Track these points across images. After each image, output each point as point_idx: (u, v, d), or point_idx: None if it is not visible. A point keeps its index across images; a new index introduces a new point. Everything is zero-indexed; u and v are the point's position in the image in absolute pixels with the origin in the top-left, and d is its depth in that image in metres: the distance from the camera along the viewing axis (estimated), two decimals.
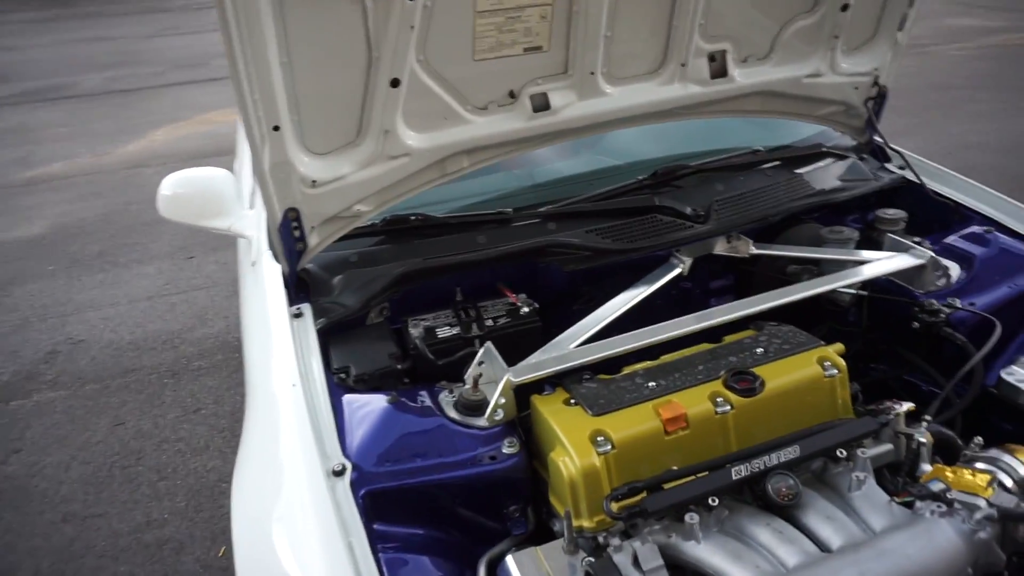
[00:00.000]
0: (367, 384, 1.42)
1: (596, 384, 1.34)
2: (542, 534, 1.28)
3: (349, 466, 1.18)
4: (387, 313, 1.63)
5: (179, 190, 1.93)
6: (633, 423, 1.24)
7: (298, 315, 1.53)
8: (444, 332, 1.53)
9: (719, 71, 1.79)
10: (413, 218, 1.72)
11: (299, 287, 1.62)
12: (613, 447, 1.20)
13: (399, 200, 1.67)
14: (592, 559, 1.11)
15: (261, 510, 1.20)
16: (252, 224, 1.87)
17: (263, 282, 1.68)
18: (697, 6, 1.66)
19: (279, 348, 1.46)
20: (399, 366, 1.47)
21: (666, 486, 1.16)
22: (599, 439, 1.21)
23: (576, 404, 1.30)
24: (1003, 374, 1.52)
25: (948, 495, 1.11)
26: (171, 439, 2.77)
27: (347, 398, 1.33)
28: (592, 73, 1.67)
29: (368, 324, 1.60)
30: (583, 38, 1.60)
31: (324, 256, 1.67)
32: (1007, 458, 1.23)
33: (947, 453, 1.31)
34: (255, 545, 1.15)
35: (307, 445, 1.22)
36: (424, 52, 1.48)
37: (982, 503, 1.09)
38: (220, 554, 2.25)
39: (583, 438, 1.21)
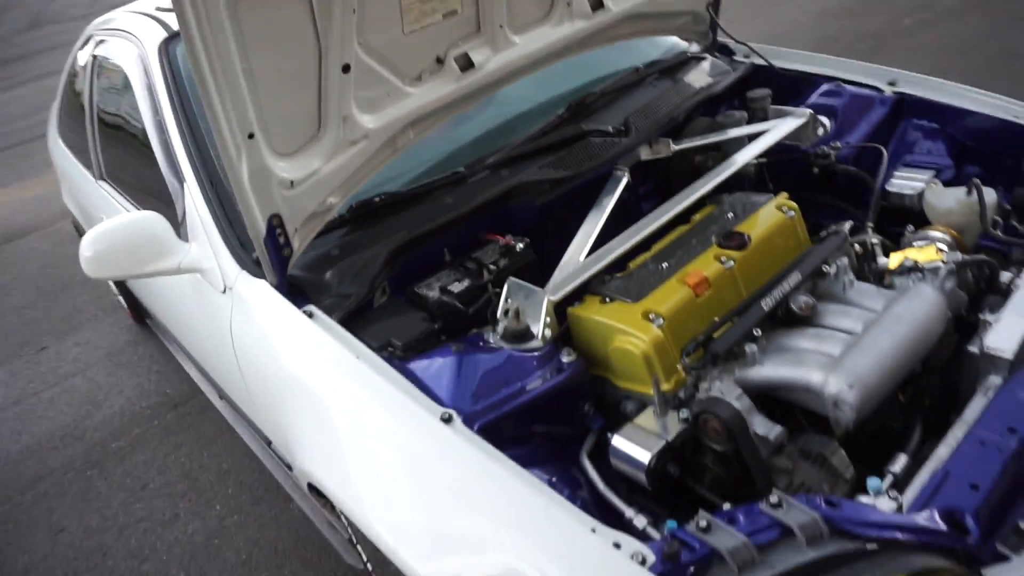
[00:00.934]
0: (415, 350, 1.48)
1: (619, 280, 1.52)
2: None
3: (453, 412, 1.27)
4: (388, 291, 1.68)
5: (105, 245, 1.81)
6: (669, 296, 1.43)
7: (311, 315, 1.55)
8: (456, 287, 1.62)
9: (597, 3, 2.01)
10: (377, 199, 1.78)
11: (293, 294, 1.62)
12: (664, 319, 1.39)
13: (360, 185, 1.72)
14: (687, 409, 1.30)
15: (395, 487, 1.25)
16: (203, 255, 1.81)
17: (249, 301, 1.67)
18: None
19: (314, 346, 1.48)
20: (434, 325, 1.54)
21: (716, 334, 1.37)
22: (651, 316, 1.39)
23: (612, 301, 1.47)
24: (887, 188, 1.90)
25: (919, 267, 1.42)
26: (131, 523, 2.56)
27: (415, 362, 1.40)
28: (501, 26, 1.81)
29: (377, 306, 1.65)
30: None
31: (304, 259, 1.68)
32: (931, 232, 1.58)
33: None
34: (412, 517, 1.21)
35: (409, 407, 1.28)
36: (363, 35, 1.54)
37: (940, 264, 1.42)
38: None
39: (637, 319, 1.39)
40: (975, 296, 1.50)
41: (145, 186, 2.25)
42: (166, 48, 2.11)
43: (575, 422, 1.46)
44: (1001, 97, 1.95)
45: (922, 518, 1.06)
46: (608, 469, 1.36)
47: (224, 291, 1.75)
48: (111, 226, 1.85)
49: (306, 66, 1.47)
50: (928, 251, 1.48)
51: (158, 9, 2.32)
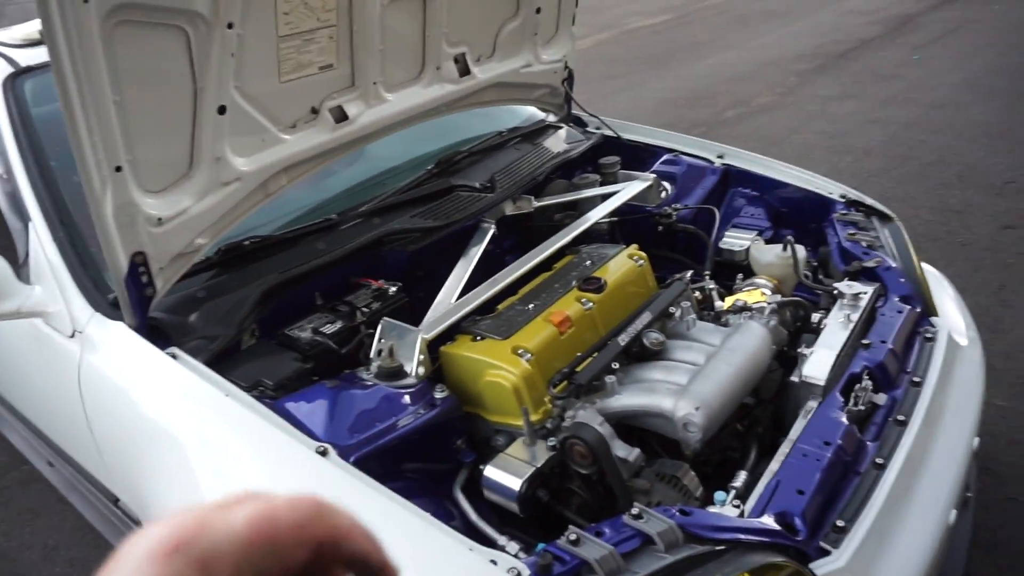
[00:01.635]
0: (286, 390, 1.47)
1: (490, 320, 1.60)
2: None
3: (328, 446, 1.27)
4: (257, 334, 1.66)
5: None
6: (536, 333, 1.54)
7: (174, 356, 1.50)
8: (329, 328, 1.63)
9: (464, 70, 2.16)
10: (247, 243, 1.77)
11: (153, 336, 1.56)
12: (532, 354, 1.49)
13: (231, 228, 1.71)
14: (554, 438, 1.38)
15: None
16: (49, 297, 1.70)
17: (103, 344, 1.58)
18: (442, 18, 1.99)
19: (178, 388, 1.43)
20: (306, 365, 1.54)
21: (579, 368, 1.49)
22: (520, 351, 1.48)
23: (483, 339, 1.55)
24: (720, 245, 2.16)
25: (748, 307, 1.63)
26: None
27: (288, 401, 1.39)
28: (375, 83, 1.90)
29: (245, 348, 1.62)
30: (364, 53, 1.83)
31: (166, 301, 1.63)
32: (757, 280, 1.82)
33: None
34: None
35: (283, 443, 1.27)
36: (241, 79, 1.57)
37: (764, 304, 1.64)
38: None
39: (507, 354, 1.48)
40: (793, 334, 1.73)
41: None
42: (12, 84, 2.00)
43: (448, 458, 1.50)
44: (806, 172, 2.29)
45: (760, 521, 1.20)
46: (479, 502, 1.41)
47: (72, 335, 1.64)
48: None
49: (180, 104, 1.48)
50: (755, 294, 1.70)
51: (1, 43, 2.20)
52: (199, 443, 1.38)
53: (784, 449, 1.38)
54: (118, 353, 1.56)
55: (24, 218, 1.81)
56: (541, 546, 1.14)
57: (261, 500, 0.37)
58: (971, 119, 5.06)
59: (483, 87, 2.24)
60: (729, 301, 1.72)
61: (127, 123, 1.38)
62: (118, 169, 1.38)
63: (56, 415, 1.87)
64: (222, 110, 1.54)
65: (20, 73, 2.03)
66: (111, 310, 1.60)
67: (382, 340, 1.56)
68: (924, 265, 2.10)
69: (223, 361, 1.54)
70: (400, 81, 1.99)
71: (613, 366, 1.50)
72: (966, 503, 1.90)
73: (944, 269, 3.20)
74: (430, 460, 1.47)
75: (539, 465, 1.36)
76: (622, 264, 1.78)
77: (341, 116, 1.84)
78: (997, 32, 7.24)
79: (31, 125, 1.92)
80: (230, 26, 1.46)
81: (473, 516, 1.36)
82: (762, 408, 1.66)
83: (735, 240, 2.14)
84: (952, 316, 1.89)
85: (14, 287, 1.70)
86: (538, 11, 2.28)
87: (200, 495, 1.34)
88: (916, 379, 1.58)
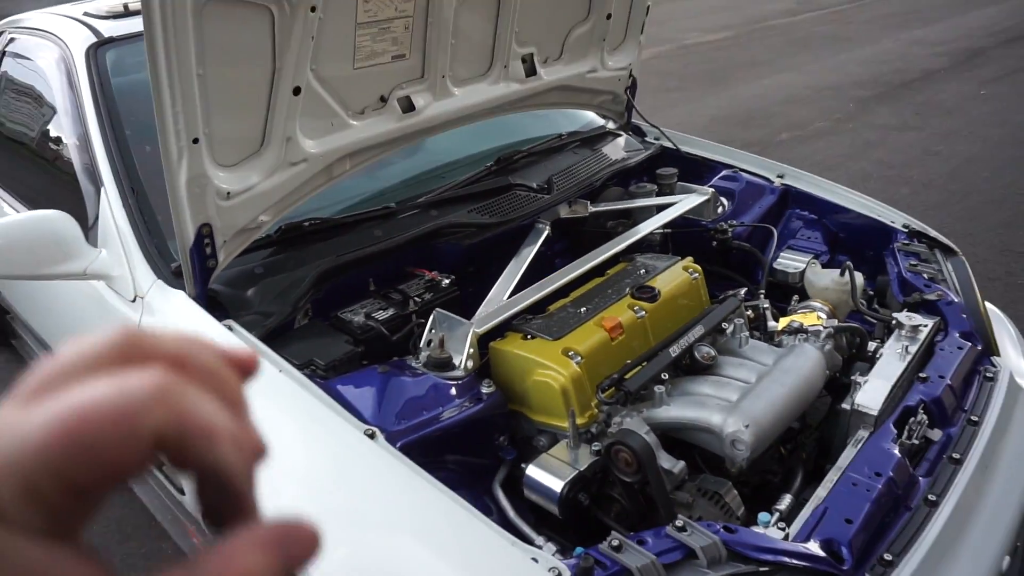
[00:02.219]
0: (337, 371, 1.49)
1: (541, 320, 1.60)
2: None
3: (376, 429, 1.28)
4: (310, 314, 1.68)
5: (4, 242, 1.71)
6: (587, 337, 1.53)
7: (231, 328, 1.53)
8: (382, 314, 1.65)
9: (530, 71, 2.17)
10: (307, 224, 1.79)
11: (211, 306, 1.59)
12: (582, 357, 1.48)
13: (293, 208, 1.74)
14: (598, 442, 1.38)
15: (317, 500, 1.23)
16: (114, 261, 1.75)
17: (163, 311, 1.62)
18: (513, 18, 2.00)
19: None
20: (357, 349, 1.56)
21: (628, 375, 1.48)
22: (570, 353, 1.48)
23: (534, 338, 1.55)
24: (774, 266, 2.13)
25: (804, 329, 1.60)
26: None
27: (339, 382, 1.40)
28: (443, 76, 1.92)
29: (298, 327, 1.64)
30: (436, 46, 1.84)
31: (225, 274, 1.66)
32: (813, 303, 1.79)
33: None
34: (335, 533, 1.19)
35: (334, 422, 1.28)
36: (317, 62, 1.60)
37: (820, 328, 1.61)
38: None
39: (557, 355, 1.47)
40: (846, 361, 1.70)
41: (49, 192, 2.15)
42: (95, 53, 2.07)
43: (490, 453, 1.50)
44: (869, 198, 2.24)
45: (805, 546, 1.18)
46: (518, 500, 1.40)
47: (134, 300, 1.69)
48: (9, 221, 1.76)
49: (259, 82, 1.51)
50: (811, 317, 1.67)
51: (86, 14, 2.27)
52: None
53: (833, 476, 1.36)
54: (177, 321, 1.59)
55: (97, 183, 1.86)
56: (580, 550, 1.14)
57: (78, 387, 0.26)
58: None
59: (548, 88, 2.24)
60: (784, 322, 1.69)
61: (208, 97, 1.42)
62: (195, 141, 1.42)
63: None
64: (297, 91, 1.57)
65: (103, 43, 2.10)
66: (173, 279, 1.64)
67: (433, 331, 1.57)
68: (987, 304, 2.04)
69: (277, 338, 1.56)
70: (468, 76, 2.00)
71: (663, 376, 1.48)
72: (1016, 551, 1.85)
73: (1003, 311, 3.12)
74: (472, 454, 1.48)
75: (582, 469, 1.36)
76: (676, 275, 1.77)
77: (408, 106, 1.86)
78: None
79: (110, 94, 1.98)
80: (313, 9, 1.49)
81: (511, 513, 1.36)
82: (807, 434, 1.63)
83: (790, 262, 2.10)
84: (1014, 358, 1.84)
85: (82, 249, 1.75)
86: (608, 16, 2.27)
87: None
88: (974, 418, 1.54)
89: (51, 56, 2.21)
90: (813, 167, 5.04)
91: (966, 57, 7.95)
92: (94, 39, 2.11)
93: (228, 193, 1.53)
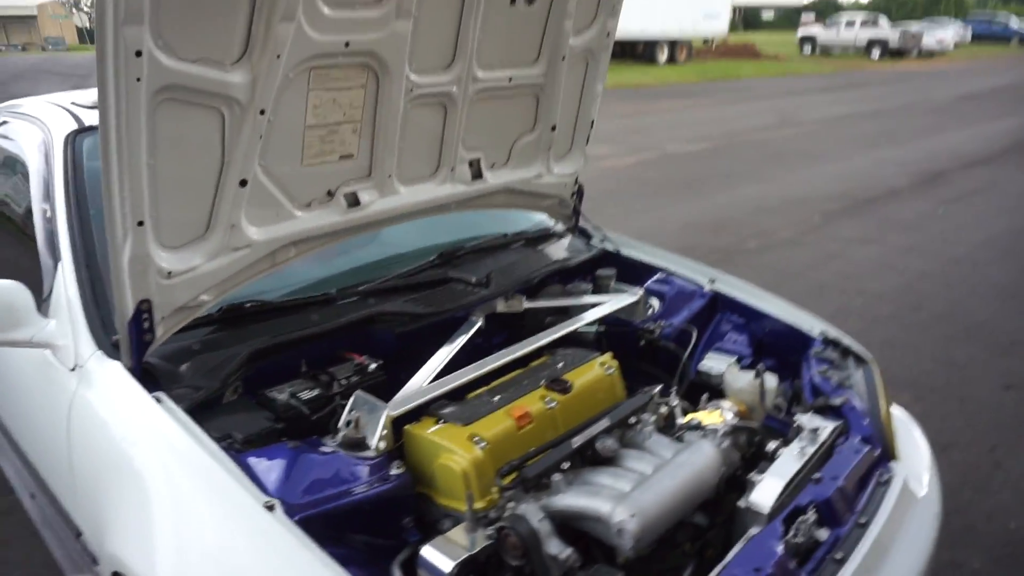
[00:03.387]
0: (254, 445, 1.56)
1: (455, 407, 1.69)
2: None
3: (276, 502, 1.35)
4: (240, 391, 1.76)
5: None
6: (495, 425, 1.61)
7: (159, 400, 1.60)
8: (306, 394, 1.73)
9: (477, 174, 2.34)
10: (248, 305, 1.90)
11: (144, 379, 1.67)
12: (487, 443, 1.56)
13: (235, 289, 1.85)
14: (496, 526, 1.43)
15: (205, 561, 1.29)
16: (60, 332, 1.84)
17: (98, 380, 1.70)
18: (460, 125, 2.19)
19: (154, 430, 1.53)
20: (277, 426, 1.63)
21: (529, 463, 1.55)
22: (475, 439, 1.56)
23: (445, 423, 1.63)
24: (699, 367, 2.23)
25: (702, 426, 1.69)
26: None
27: (250, 455, 1.47)
28: (389, 176, 2.08)
29: (226, 402, 1.72)
30: (383, 148, 2.01)
31: (163, 349, 1.75)
32: (722, 402, 1.88)
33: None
34: None
35: (235, 493, 1.35)
36: (265, 158, 1.75)
37: (719, 426, 1.70)
38: None
39: (463, 440, 1.55)
40: (750, 460, 1.78)
41: (12, 263, 2.26)
42: (73, 140, 2.23)
43: (395, 534, 1.55)
44: (794, 306, 2.38)
45: None
46: None
47: (73, 368, 1.77)
48: None
49: (207, 173, 1.65)
50: (714, 415, 1.77)
51: (74, 103, 2.46)
52: (160, 483, 1.46)
53: (715, 571, 1.41)
54: (108, 390, 1.67)
55: (56, 257, 1.98)
56: None
57: None
58: (987, 277, 5.13)
59: (494, 191, 2.41)
60: (688, 419, 1.78)
61: (156, 184, 1.55)
62: (140, 223, 1.54)
63: (44, 445, 1.97)
64: (244, 183, 1.71)
65: (82, 131, 2.27)
66: (112, 351, 1.72)
67: (352, 411, 1.65)
68: (897, 409, 2.14)
69: (204, 411, 1.64)
70: (414, 176, 2.17)
71: (564, 466, 1.56)
72: None
73: (939, 422, 3.22)
74: (377, 534, 1.53)
75: (474, 551, 1.41)
76: (592, 370, 1.87)
77: (354, 201, 2.01)
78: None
79: (81, 177, 2.13)
80: (262, 112, 1.65)
81: None
82: (716, 531, 1.69)
83: (713, 363, 2.21)
84: (914, 463, 1.92)
85: (32, 317, 1.84)
86: (553, 128, 2.47)
87: (152, 532, 1.42)
88: (862, 520, 1.60)
89: (35, 139, 2.38)
90: (775, 275, 5.25)
91: (929, 178, 8.37)
92: (75, 126, 2.28)
93: (169, 272, 1.64)
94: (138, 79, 1.39)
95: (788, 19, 60.59)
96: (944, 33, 33.50)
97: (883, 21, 32.81)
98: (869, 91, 18.28)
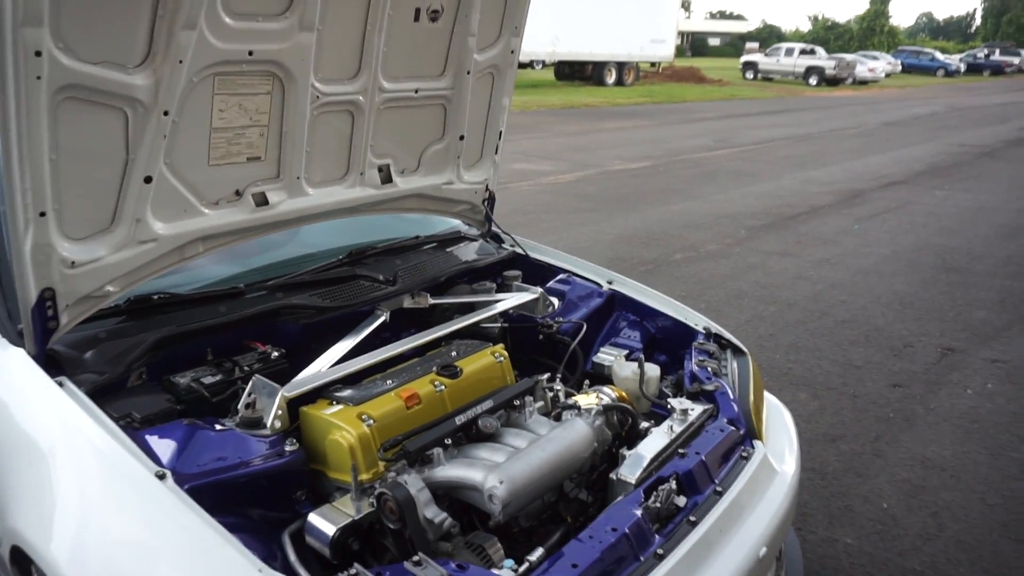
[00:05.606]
0: (152, 424, 1.65)
1: (350, 390, 1.81)
2: None
3: (168, 472, 1.44)
4: (144, 377, 1.85)
5: None
6: (384, 405, 1.74)
7: (60, 384, 1.68)
8: (208, 379, 1.83)
9: (386, 179, 2.47)
10: (156, 297, 1.99)
11: (49, 365, 1.75)
12: (374, 421, 1.68)
13: (143, 281, 1.93)
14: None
15: (100, 529, 1.37)
16: None
17: (1, 367, 1.77)
18: (368, 132, 2.32)
19: (55, 412, 1.61)
20: (177, 407, 1.72)
21: (413, 439, 1.68)
22: (363, 417, 1.68)
23: (338, 404, 1.75)
24: (593, 359, 2.40)
25: (577, 406, 1.84)
26: None
27: (148, 432, 1.56)
28: (298, 178, 2.19)
29: (130, 386, 1.80)
30: (290, 151, 2.13)
31: (69, 337, 1.83)
32: (603, 388, 2.04)
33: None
34: (104, 552, 1.33)
35: (128, 464, 1.44)
36: (171, 157, 1.85)
37: (593, 407, 1.85)
38: None
39: (352, 418, 1.67)
40: (625, 440, 1.94)
41: None
42: None
43: (289, 507, 1.65)
44: (682, 305, 2.56)
45: None
46: (307, 551, 1.55)
47: None
48: None
49: (111, 169, 1.74)
50: (591, 397, 1.92)
51: None
52: (58, 459, 1.54)
53: (579, 534, 1.56)
54: (11, 376, 1.74)
55: None
56: None
57: None
58: (890, 287, 5.47)
59: (404, 195, 2.55)
60: (571, 402, 1.94)
61: (59, 178, 1.64)
62: (42, 214, 1.63)
63: None
64: (148, 179, 1.81)
65: None
66: (17, 338, 1.79)
67: (250, 394, 1.75)
68: (770, 397, 2.34)
69: (107, 395, 1.72)
70: (324, 179, 2.29)
71: (446, 442, 1.69)
72: None
73: (831, 416, 3.45)
74: (270, 506, 1.63)
75: (357, 518, 1.52)
76: (483, 359, 2.01)
77: (263, 201, 2.12)
78: (933, 215, 7.87)
79: None
80: (166, 113, 1.76)
81: (292, 557, 1.51)
82: (596, 505, 1.84)
83: (605, 356, 2.38)
84: (779, 444, 2.11)
85: None
86: (461, 138, 2.62)
87: (49, 505, 1.49)
88: (719, 489, 1.77)
89: None
90: (697, 284, 5.50)
91: (849, 196, 8.82)
92: None
93: (73, 263, 1.72)
94: (38, 77, 1.49)
95: (734, 46, 62.75)
96: (876, 64, 35.24)
97: (820, 51, 34.32)
98: (804, 116, 19.10)
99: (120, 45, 1.62)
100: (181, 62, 1.71)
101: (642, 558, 1.53)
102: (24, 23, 1.39)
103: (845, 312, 4.95)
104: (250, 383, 1.77)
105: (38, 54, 1.45)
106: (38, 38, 1.44)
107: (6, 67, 1.43)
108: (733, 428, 1.96)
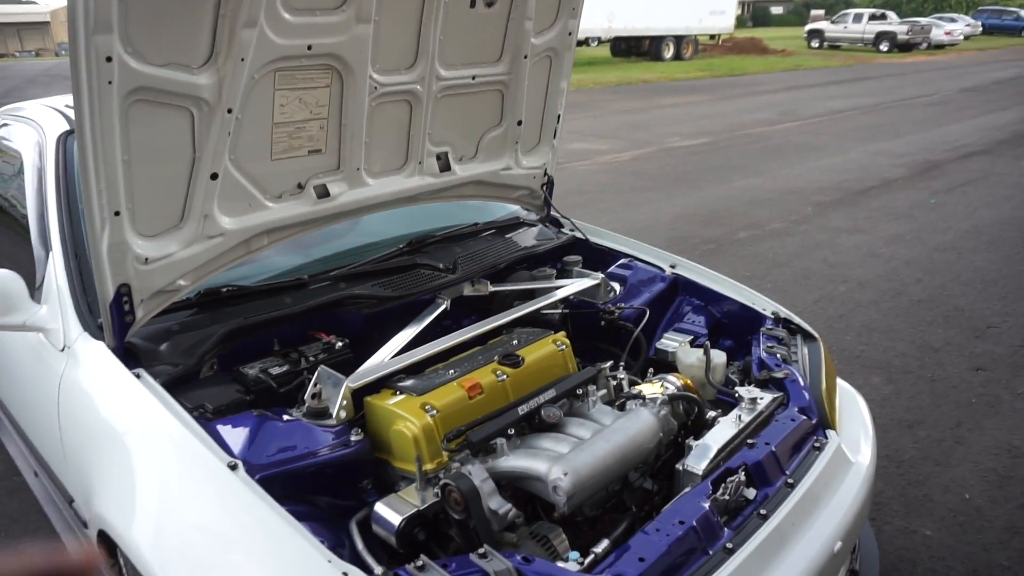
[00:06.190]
0: (224, 414, 1.70)
1: (413, 380, 1.82)
2: None
3: (239, 462, 1.48)
4: (215, 368, 1.91)
5: None
6: (447, 395, 1.75)
7: (138, 376, 1.75)
8: (276, 370, 1.87)
9: (445, 167, 2.47)
10: (225, 290, 2.04)
11: (127, 357, 1.82)
12: (437, 411, 1.69)
13: (212, 275, 1.99)
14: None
15: (178, 517, 1.43)
16: (51, 316, 1.99)
17: (83, 359, 1.85)
18: (425, 121, 2.32)
19: (133, 402, 1.67)
20: (247, 397, 1.77)
21: (476, 429, 1.68)
22: (427, 407, 1.69)
23: (402, 394, 1.76)
24: (656, 345, 2.35)
25: (642, 395, 1.81)
26: None
27: (220, 422, 1.61)
28: (358, 169, 2.21)
29: (202, 377, 1.86)
30: (350, 143, 2.15)
31: (145, 330, 1.90)
32: (668, 376, 2.00)
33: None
34: (182, 539, 1.39)
35: (202, 455, 1.49)
36: (235, 153, 1.89)
37: (658, 395, 1.82)
38: None
39: (416, 408, 1.68)
40: (691, 427, 1.90)
41: (10, 254, 2.42)
42: (64, 139, 2.39)
43: (355, 496, 1.68)
44: (749, 289, 2.49)
45: None
46: (374, 540, 1.58)
47: (62, 349, 1.92)
48: None
49: (179, 167, 1.79)
50: (655, 386, 1.89)
51: (67, 106, 2.62)
52: (138, 449, 1.61)
53: (645, 526, 1.53)
54: (92, 368, 1.82)
55: (47, 248, 2.13)
56: (381, 568, 1.32)
57: None
58: (970, 264, 5.20)
59: (463, 183, 2.54)
60: (634, 391, 1.91)
61: (131, 178, 1.69)
62: (117, 213, 1.69)
63: (39, 422, 2.12)
64: (214, 176, 1.85)
65: (73, 131, 2.41)
66: (97, 332, 1.87)
67: (316, 385, 1.79)
68: (843, 383, 2.25)
69: (181, 386, 1.78)
70: (383, 169, 2.30)
71: (509, 432, 1.68)
72: None
73: (908, 401, 3.31)
74: (338, 495, 1.66)
75: (422, 508, 1.54)
76: (545, 347, 1.99)
77: (324, 193, 2.15)
78: (1017, 186, 7.43)
79: (71, 173, 2.28)
80: (229, 111, 1.79)
81: (360, 545, 1.53)
82: (661, 495, 1.81)
83: (669, 342, 2.33)
84: (853, 433, 2.03)
85: (25, 304, 1.99)
86: (519, 123, 2.59)
87: (131, 492, 1.56)
88: (790, 481, 1.72)
89: (31, 140, 2.54)
90: (762, 264, 5.35)
91: (923, 169, 8.40)
92: (67, 128, 2.44)
93: (146, 259, 1.79)
94: (109, 82, 1.53)
95: (798, 14, 60.31)
96: (954, 26, 33.31)
97: (892, 15, 32.66)
98: (874, 84, 18.26)
99: (184, 46, 1.65)
100: (243, 60, 1.74)
101: (711, 552, 1.49)
102: (96, 31, 1.43)
103: (921, 291, 4.73)
104: (316, 374, 1.80)
105: (108, 59, 1.49)
106: (108, 44, 1.48)
107: (80, 74, 1.47)
108: (804, 417, 1.89)
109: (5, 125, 2.91)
